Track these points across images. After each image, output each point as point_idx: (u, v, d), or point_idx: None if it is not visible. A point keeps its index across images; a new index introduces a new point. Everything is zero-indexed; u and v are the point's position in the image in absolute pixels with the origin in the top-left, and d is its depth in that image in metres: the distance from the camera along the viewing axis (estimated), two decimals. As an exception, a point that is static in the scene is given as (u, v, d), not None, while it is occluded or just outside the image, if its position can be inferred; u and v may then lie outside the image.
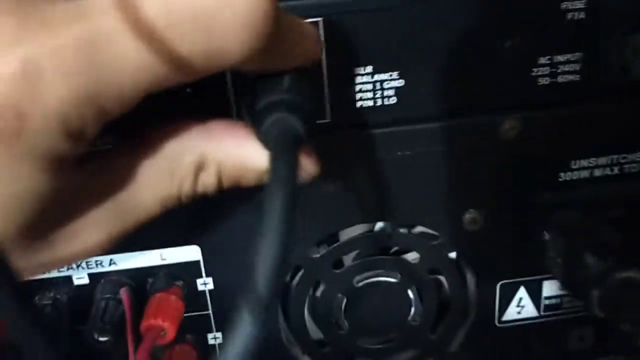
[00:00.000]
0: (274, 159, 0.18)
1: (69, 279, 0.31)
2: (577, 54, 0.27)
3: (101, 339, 0.29)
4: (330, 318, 0.33)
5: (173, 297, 0.30)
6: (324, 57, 0.26)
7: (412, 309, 0.33)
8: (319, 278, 0.32)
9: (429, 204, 0.30)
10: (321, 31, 0.25)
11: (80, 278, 0.31)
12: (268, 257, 0.16)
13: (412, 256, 0.33)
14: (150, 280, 0.31)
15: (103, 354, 0.30)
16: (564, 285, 0.31)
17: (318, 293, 0.33)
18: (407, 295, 0.33)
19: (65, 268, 0.30)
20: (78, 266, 0.30)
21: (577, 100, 0.29)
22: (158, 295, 0.30)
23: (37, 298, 0.30)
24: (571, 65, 0.28)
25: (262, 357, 0.16)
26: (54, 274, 0.30)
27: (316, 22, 0.25)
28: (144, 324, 0.29)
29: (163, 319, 0.29)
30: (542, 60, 0.28)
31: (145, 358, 0.28)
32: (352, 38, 0.26)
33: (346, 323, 0.33)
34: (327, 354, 0.34)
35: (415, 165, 0.29)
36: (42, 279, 0.30)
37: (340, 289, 0.33)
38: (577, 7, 0.26)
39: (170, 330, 0.29)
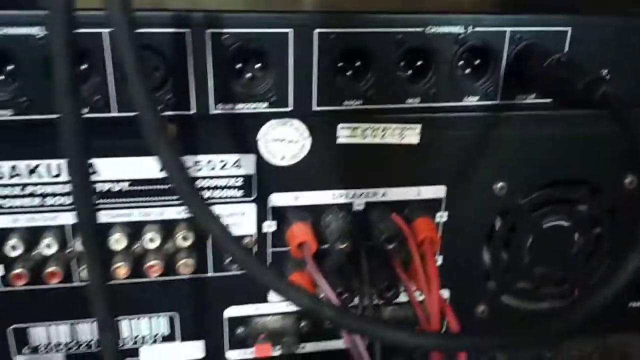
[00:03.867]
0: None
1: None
2: None
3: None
4: (515, 251, 0.45)
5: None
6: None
7: (575, 248, 0.46)
8: (516, 219, 0.44)
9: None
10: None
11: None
12: None
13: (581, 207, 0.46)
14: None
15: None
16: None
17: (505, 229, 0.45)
18: (574, 237, 0.46)
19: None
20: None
21: None
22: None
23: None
24: None
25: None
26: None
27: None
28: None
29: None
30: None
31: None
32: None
33: (528, 256, 0.45)
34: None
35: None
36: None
37: (530, 228, 0.45)
38: None
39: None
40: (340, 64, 0.37)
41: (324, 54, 0.36)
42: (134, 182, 0.38)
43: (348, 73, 0.37)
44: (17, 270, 0.38)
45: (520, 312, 0.48)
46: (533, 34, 0.38)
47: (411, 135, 0.40)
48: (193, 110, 0.35)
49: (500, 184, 0.43)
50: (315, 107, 0.37)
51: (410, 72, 0.38)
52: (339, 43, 0.35)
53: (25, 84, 0.33)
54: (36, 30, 0.31)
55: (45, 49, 0.32)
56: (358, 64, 0.37)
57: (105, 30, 0.32)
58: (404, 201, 0.42)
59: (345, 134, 0.39)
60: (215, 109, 0.36)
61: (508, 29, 0.37)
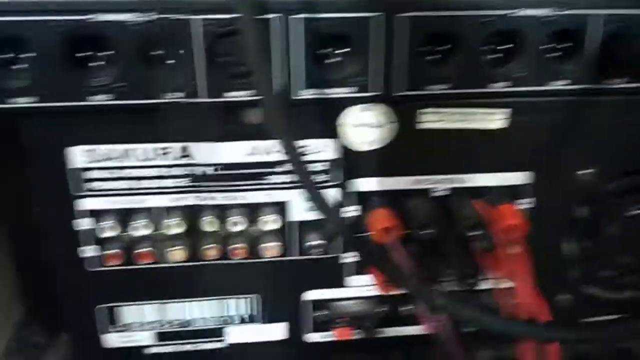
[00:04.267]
0: None
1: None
2: None
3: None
4: (600, 239, 0.44)
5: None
6: None
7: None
8: (602, 206, 0.43)
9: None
10: None
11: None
12: None
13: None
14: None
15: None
16: None
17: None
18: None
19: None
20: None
21: None
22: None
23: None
24: None
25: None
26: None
27: None
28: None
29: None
30: None
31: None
32: None
33: (612, 244, 0.44)
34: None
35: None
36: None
37: (616, 216, 0.43)
38: None
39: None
40: (425, 48, 0.36)
41: (409, 37, 0.35)
42: (224, 166, 0.39)
43: (433, 57, 0.37)
44: (112, 251, 0.39)
45: (601, 301, 0.46)
46: (626, 16, 0.36)
47: (496, 120, 0.39)
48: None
49: (587, 171, 0.41)
50: (399, 92, 0.37)
51: (496, 55, 0.37)
52: (423, 26, 0.35)
53: (123, 70, 0.34)
54: (131, 17, 0.33)
55: (139, 34, 0.33)
56: (443, 47, 0.37)
57: (193, 17, 0.33)
58: (487, 187, 0.41)
59: (429, 119, 0.39)
60: (301, 94, 0.36)
61: (600, 11, 0.36)
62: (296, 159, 0.27)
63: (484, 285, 0.43)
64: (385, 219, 0.39)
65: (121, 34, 0.33)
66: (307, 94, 0.36)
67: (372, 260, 0.28)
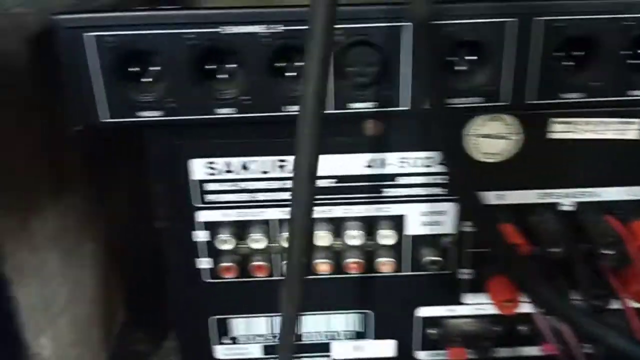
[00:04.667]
0: None
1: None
2: None
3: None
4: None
5: None
6: None
7: None
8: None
9: None
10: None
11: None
12: None
13: None
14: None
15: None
16: None
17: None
18: None
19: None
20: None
21: None
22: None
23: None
24: None
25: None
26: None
27: None
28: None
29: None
30: None
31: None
32: None
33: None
34: None
35: None
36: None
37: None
38: None
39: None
40: (560, 54, 0.34)
41: (543, 43, 0.33)
42: (339, 178, 0.38)
43: (567, 63, 0.35)
44: (228, 263, 0.39)
45: None
46: None
47: (632, 130, 0.37)
48: (405, 107, 0.35)
49: None
50: (529, 100, 0.35)
51: (636, 61, 0.35)
52: (559, 31, 0.33)
53: (249, 83, 0.33)
54: (260, 29, 0.32)
55: (268, 47, 0.32)
56: (578, 53, 0.34)
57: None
58: (618, 202, 0.39)
59: (559, 129, 0.37)
60: (424, 104, 0.35)
61: None
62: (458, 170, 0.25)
63: (613, 305, 0.40)
64: (511, 235, 0.37)
65: (250, 46, 0.32)
66: (433, 104, 0.35)
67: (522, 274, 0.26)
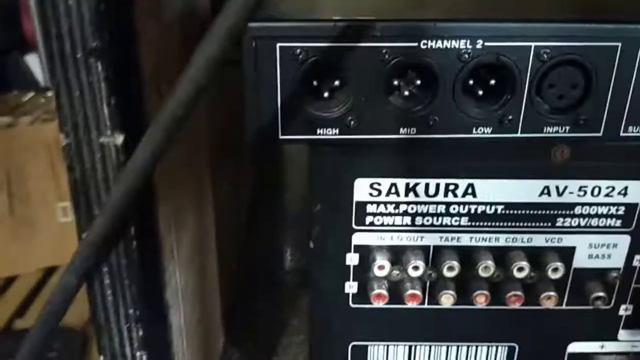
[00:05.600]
0: None
1: None
2: None
3: None
4: None
5: None
6: None
7: None
8: None
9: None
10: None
11: None
12: None
13: None
14: None
15: None
16: None
17: None
18: None
19: None
20: None
21: None
22: None
23: None
24: None
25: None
26: None
27: None
28: None
29: None
30: None
31: None
32: None
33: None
34: None
35: None
36: None
37: None
38: None
39: None
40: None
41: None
42: (507, 205, 0.35)
43: None
44: (379, 290, 0.37)
45: None
46: None
47: None
48: (599, 133, 0.32)
49: None
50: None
51: None
52: None
53: (438, 101, 0.31)
54: (464, 44, 0.29)
55: (465, 66, 0.30)
56: None
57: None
58: None
59: None
60: (624, 132, 0.32)
61: None
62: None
63: None
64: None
65: (445, 62, 0.30)
66: (633, 132, 0.32)
67: None
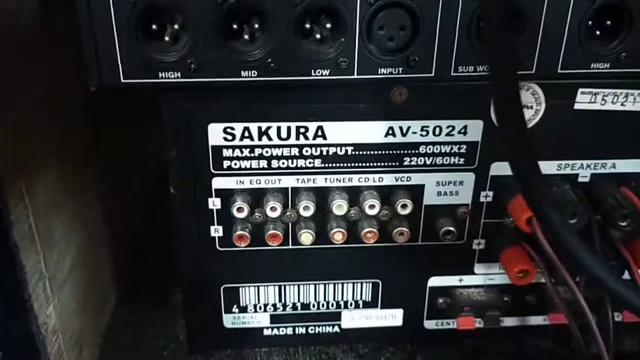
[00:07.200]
0: None
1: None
2: None
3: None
4: None
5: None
6: None
7: None
8: None
9: None
10: None
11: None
12: None
13: None
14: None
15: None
16: None
17: None
18: None
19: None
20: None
21: None
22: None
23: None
24: None
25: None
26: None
27: None
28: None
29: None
30: None
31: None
32: None
33: None
34: None
35: None
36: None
37: None
38: None
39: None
40: (592, 23, 0.33)
41: (574, 12, 0.33)
42: (357, 146, 0.37)
43: (596, 33, 0.34)
44: (240, 232, 0.38)
45: None
46: None
47: (657, 101, 0.37)
48: (431, 73, 0.34)
49: None
50: (559, 70, 0.34)
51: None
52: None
53: (275, 44, 0.32)
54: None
55: (295, 9, 0.31)
56: (610, 22, 0.34)
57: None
58: (633, 173, 0.39)
59: (584, 100, 0.36)
60: (454, 72, 0.34)
61: None
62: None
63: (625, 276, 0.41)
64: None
65: (279, 5, 0.31)
66: (462, 72, 0.34)
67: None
